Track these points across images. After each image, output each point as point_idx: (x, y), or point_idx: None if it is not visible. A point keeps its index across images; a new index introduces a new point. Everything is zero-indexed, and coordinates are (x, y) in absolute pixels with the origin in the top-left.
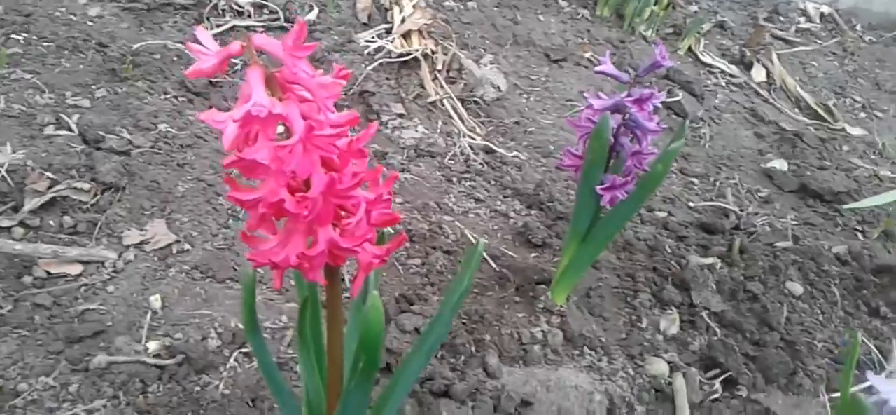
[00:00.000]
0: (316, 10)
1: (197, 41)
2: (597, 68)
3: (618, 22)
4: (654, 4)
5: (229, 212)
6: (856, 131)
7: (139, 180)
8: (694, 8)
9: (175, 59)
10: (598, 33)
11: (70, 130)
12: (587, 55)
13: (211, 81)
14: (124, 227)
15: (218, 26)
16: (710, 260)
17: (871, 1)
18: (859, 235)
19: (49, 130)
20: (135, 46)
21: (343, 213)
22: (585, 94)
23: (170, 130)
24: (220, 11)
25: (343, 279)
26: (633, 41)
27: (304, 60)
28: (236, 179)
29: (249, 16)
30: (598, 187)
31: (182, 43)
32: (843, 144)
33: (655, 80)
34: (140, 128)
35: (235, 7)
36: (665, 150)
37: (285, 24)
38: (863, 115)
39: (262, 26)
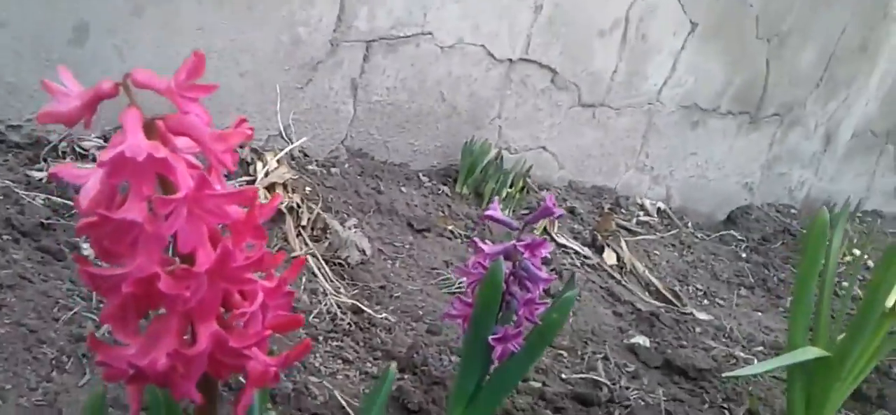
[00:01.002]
0: None
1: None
2: (486, 212)
3: (477, 200)
4: (510, 187)
5: (53, 362)
6: (703, 316)
7: None
8: (545, 193)
9: (1, 198)
10: (458, 209)
11: None
12: (449, 227)
13: (42, 223)
14: None
15: None
16: None
17: (697, 202)
18: (726, 412)
19: None
20: None
21: (225, 312)
22: (475, 239)
23: None
24: (61, 152)
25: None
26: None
27: (197, 103)
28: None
29: (94, 160)
30: (490, 338)
31: (12, 182)
32: (695, 326)
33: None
34: None
35: (78, 149)
36: (560, 298)
37: None
38: (706, 301)
39: None
